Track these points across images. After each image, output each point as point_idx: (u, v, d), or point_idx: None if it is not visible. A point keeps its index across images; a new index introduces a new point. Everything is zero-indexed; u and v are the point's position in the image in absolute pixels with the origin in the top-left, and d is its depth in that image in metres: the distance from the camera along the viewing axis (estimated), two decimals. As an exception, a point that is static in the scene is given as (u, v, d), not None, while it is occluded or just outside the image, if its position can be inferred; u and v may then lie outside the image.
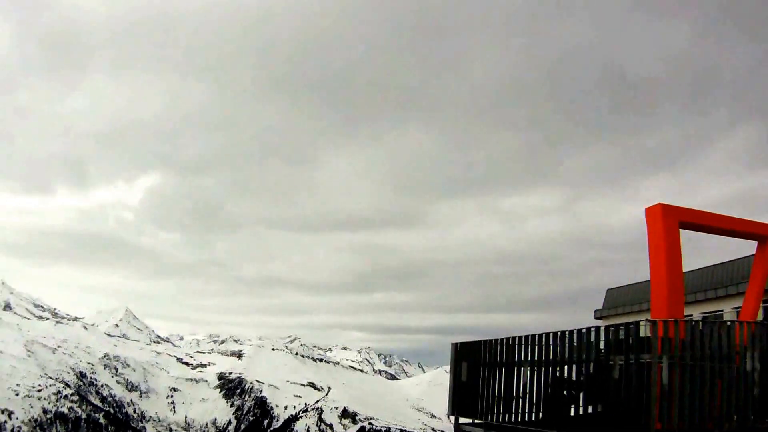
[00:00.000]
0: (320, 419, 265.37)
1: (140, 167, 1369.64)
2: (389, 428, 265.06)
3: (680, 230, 22.66)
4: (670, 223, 22.36)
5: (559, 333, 20.66)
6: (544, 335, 21.25)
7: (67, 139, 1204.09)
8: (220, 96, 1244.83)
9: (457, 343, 25.96)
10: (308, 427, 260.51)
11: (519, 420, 22.00)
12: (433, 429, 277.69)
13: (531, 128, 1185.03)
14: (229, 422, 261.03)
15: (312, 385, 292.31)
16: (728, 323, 18.50)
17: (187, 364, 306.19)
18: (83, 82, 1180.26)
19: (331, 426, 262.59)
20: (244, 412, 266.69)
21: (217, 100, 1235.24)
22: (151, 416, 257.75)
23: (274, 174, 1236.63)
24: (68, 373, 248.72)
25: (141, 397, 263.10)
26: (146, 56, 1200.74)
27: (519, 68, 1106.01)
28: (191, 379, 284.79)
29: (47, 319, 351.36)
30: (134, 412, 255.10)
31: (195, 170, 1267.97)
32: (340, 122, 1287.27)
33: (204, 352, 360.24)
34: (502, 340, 23.34)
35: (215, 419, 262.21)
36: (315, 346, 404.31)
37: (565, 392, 20.97)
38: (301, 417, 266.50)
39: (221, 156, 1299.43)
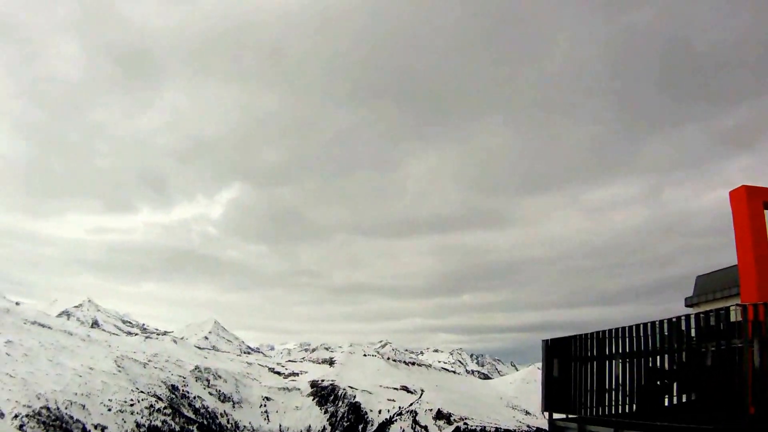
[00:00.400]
0: (415, 422, 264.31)
1: (220, 180, 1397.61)
2: (484, 427, 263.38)
3: (766, 212, 22.40)
4: (754, 205, 22.16)
5: (649, 323, 20.63)
6: (634, 327, 21.23)
7: (146, 157, 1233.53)
8: (294, 103, 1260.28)
9: (547, 340, 26.09)
10: (403, 430, 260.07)
11: (613, 413, 22.01)
12: (528, 426, 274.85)
13: (609, 118, 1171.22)
14: (324, 429, 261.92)
15: (405, 388, 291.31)
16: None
17: (279, 373, 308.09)
18: (159, 99, 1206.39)
19: (426, 428, 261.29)
20: (338, 419, 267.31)
21: (292, 107, 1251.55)
22: (245, 426, 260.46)
23: (355, 180, 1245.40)
24: (160, 386, 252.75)
25: (234, 407, 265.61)
26: (219, 70, 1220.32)
27: (594, 58, 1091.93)
28: (284, 388, 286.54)
29: (136, 334, 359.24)
30: (228, 422, 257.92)
31: (275, 180, 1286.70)
32: (420, 124, 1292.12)
33: (295, 361, 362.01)
34: (592, 334, 23.37)
35: (309, 426, 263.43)
36: (406, 350, 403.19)
37: (658, 382, 20.92)
38: (396, 420, 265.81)
39: (300, 164, 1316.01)
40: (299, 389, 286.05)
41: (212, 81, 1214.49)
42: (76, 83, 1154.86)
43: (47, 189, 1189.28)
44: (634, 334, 21.22)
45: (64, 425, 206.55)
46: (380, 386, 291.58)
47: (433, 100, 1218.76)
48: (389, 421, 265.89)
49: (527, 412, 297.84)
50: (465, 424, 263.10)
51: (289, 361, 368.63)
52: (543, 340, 26.19)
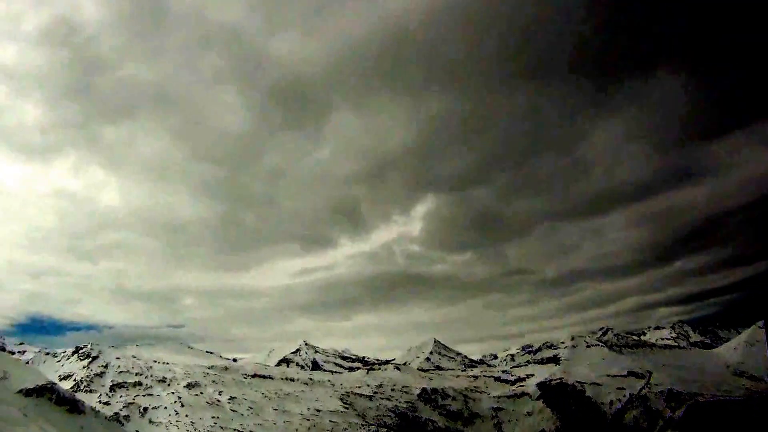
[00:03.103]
0: (646, 406, 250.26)
1: (412, 195, 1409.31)
2: (714, 401, 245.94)
3: None
4: None
5: None
6: None
7: (332, 189, 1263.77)
8: (465, 102, 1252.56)
9: None
10: (635, 417, 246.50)
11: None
12: (759, 393, 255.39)
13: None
14: (557, 429, 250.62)
15: (633, 373, 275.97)
16: None
17: (505, 381, 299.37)
18: (330, 129, 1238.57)
19: (658, 411, 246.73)
20: (571, 417, 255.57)
21: (463, 107, 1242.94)
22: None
23: (542, 165, 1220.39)
24: (389, 416, 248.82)
25: (465, 425, 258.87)
26: (383, 86, 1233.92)
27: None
28: (512, 396, 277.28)
29: (358, 368, 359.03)
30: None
31: (465, 182, 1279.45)
32: (594, 95, 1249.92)
33: (520, 365, 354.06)
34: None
35: (542, 430, 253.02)
36: (628, 333, 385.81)
37: None
38: (628, 409, 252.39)
39: (485, 161, 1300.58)
40: (528, 394, 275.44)
41: (379, 98, 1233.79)
42: (244, 133, 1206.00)
43: (244, 242, 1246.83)
44: None
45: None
46: (607, 376, 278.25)
47: (602, 67, 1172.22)
48: (622, 411, 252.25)
49: (753, 377, 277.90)
50: (696, 401, 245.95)
51: (514, 366, 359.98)
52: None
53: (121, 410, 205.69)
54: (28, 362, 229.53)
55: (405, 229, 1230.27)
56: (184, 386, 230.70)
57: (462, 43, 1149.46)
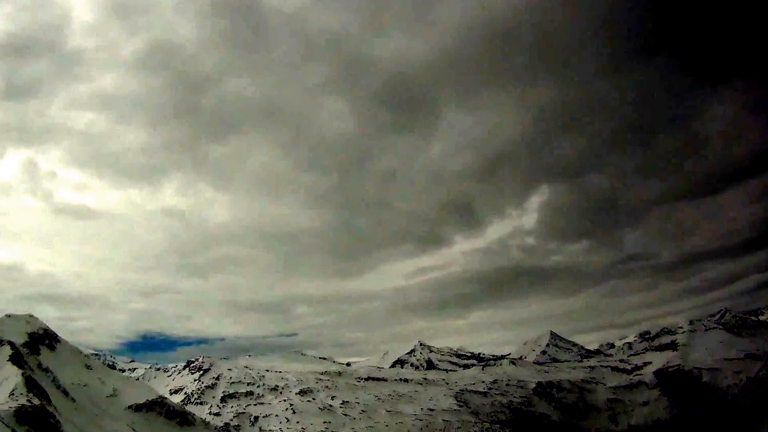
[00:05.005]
0: (765, 389, 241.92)
1: (526, 187, 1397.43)
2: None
3: None
4: None
5: None
6: None
7: (445, 187, 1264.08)
8: (571, 87, 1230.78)
9: None
10: (754, 400, 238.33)
11: None
12: None
13: None
14: (672, 418, 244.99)
15: (751, 356, 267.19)
16: None
17: (622, 371, 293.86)
18: (439, 127, 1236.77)
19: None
20: (687, 404, 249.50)
21: (570, 92, 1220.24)
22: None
23: (658, 145, 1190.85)
24: (503, 412, 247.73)
25: (579, 418, 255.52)
26: (490, 77, 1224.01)
27: None
28: (629, 386, 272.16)
29: (473, 365, 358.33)
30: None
31: (578, 171, 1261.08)
32: (702, 68, 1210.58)
33: (638, 353, 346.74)
34: None
35: (657, 419, 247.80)
36: (746, 314, 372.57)
37: None
38: (746, 392, 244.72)
39: (599, 146, 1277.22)
40: (645, 383, 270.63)
41: (486, 92, 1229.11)
42: (353, 139, 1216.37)
43: (357, 247, 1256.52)
44: None
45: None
46: (725, 359, 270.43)
47: (710, 44, 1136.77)
48: (740, 395, 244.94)
49: None
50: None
51: (632, 355, 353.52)
52: None
53: (231, 420, 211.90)
54: (138, 379, 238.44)
55: (519, 222, 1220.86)
56: (296, 393, 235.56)
57: (566, 29, 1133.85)
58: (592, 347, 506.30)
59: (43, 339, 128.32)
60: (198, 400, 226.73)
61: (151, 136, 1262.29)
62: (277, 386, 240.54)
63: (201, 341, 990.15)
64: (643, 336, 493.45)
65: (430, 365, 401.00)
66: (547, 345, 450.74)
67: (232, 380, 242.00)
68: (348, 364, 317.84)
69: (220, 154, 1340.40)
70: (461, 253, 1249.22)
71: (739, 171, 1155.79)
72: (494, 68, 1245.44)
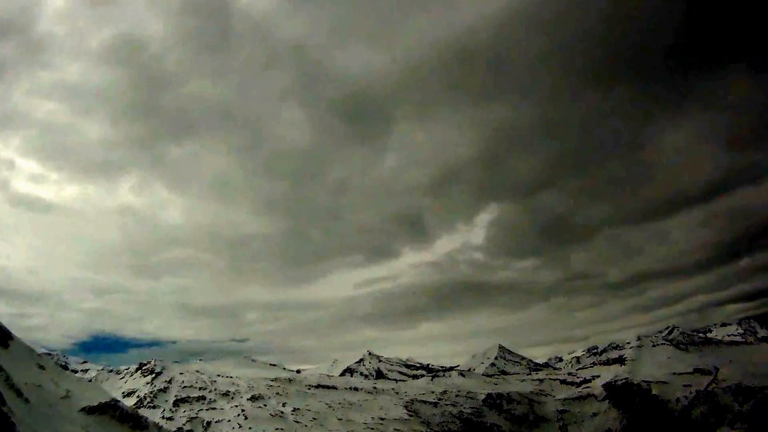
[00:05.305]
0: (714, 402, 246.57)
1: (476, 204, 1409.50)
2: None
3: None
4: None
5: None
6: None
7: (396, 200, 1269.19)
8: (529, 108, 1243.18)
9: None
10: (703, 413, 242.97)
11: None
12: None
13: None
14: (623, 429, 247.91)
15: (699, 370, 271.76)
16: None
17: (571, 383, 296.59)
18: (394, 140, 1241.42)
19: (726, 406, 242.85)
20: (637, 416, 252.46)
21: (527, 113, 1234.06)
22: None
23: (607, 170, 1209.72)
24: (453, 422, 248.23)
25: (530, 428, 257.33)
26: (445, 94, 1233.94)
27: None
28: (578, 398, 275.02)
29: (422, 376, 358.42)
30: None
31: (530, 190, 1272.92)
32: (659, 96, 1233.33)
33: (586, 367, 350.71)
34: None
35: (608, 429, 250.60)
36: (694, 331, 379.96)
37: None
38: (695, 405, 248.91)
39: (550, 167, 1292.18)
40: (594, 395, 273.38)
41: (443, 109, 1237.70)
42: (308, 148, 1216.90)
43: (308, 255, 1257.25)
44: None
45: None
46: (673, 374, 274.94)
47: (670, 69, 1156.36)
48: (689, 407, 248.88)
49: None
50: (765, 394, 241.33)
51: (580, 368, 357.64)
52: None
53: (184, 425, 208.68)
54: (91, 380, 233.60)
55: (468, 238, 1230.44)
56: (248, 399, 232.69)
57: (527, 51, 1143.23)
58: (540, 361, 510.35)
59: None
60: (151, 404, 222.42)
61: (111, 130, 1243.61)
62: (229, 392, 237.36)
63: (153, 343, 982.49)
64: (591, 351, 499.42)
65: (380, 375, 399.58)
66: (496, 358, 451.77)
67: (185, 384, 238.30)
68: (298, 371, 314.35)
69: (177, 155, 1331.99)
70: (410, 265, 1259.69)
71: (687, 198, 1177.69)
72: (451, 86, 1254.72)
